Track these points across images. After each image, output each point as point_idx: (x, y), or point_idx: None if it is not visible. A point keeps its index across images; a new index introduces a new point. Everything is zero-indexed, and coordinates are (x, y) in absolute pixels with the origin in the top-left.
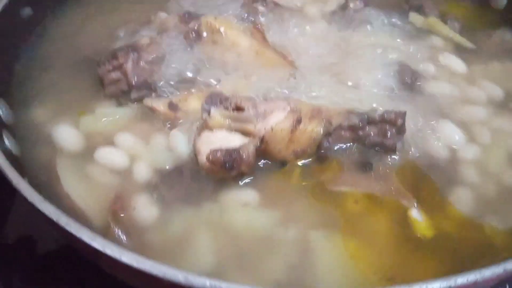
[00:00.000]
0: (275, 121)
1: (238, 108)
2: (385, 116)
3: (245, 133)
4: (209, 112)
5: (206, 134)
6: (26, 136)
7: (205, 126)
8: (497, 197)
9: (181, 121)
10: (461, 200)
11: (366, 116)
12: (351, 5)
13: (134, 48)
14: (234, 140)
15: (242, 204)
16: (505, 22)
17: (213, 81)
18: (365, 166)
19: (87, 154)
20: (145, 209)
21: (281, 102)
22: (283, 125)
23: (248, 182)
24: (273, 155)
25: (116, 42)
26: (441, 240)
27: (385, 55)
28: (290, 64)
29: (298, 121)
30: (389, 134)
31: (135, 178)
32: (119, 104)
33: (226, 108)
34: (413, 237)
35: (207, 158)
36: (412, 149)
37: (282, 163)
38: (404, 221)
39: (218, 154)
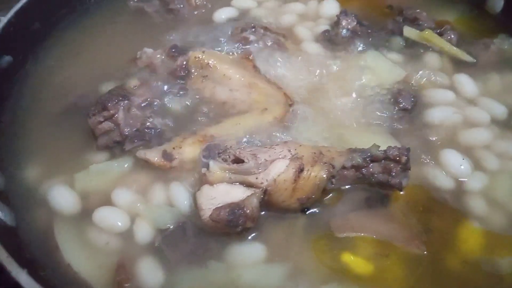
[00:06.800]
0: (277, 172)
1: (238, 160)
2: (388, 153)
3: (247, 184)
4: (207, 167)
5: (206, 189)
6: (19, 202)
7: (205, 181)
8: (508, 229)
9: (178, 171)
10: (471, 235)
11: (369, 154)
12: (343, 22)
13: (123, 94)
14: (237, 193)
15: (249, 261)
16: (502, 28)
17: (207, 123)
18: (381, 201)
19: (85, 216)
20: (150, 275)
21: (281, 148)
22: (285, 176)
23: (254, 235)
24: (277, 205)
25: (102, 85)
26: None
27: (381, 79)
28: (285, 96)
29: (301, 169)
30: (394, 172)
31: (136, 240)
32: (113, 155)
33: (225, 160)
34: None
35: (211, 217)
36: (417, 183)
37: (302, 210)
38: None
39: (222, 213)
